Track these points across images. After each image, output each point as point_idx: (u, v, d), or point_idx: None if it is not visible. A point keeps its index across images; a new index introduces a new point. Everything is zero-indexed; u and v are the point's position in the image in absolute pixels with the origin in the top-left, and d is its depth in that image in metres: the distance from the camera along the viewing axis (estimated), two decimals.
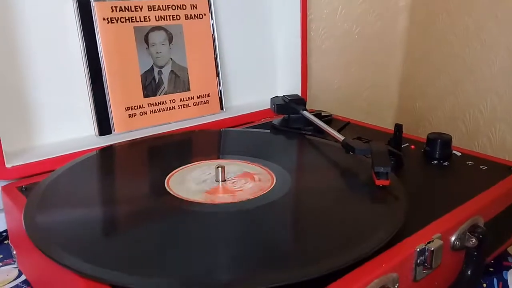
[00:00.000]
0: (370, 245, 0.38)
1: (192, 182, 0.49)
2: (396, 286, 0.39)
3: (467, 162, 0.60)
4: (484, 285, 0.51)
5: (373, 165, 0.47)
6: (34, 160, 0.55)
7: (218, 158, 0.56)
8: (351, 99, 1.03)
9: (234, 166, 0.53)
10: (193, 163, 0.54)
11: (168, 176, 0.50)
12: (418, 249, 0.41)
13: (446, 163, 0.60)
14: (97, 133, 0.64)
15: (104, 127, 0.64)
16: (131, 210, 0.44)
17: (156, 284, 0.32)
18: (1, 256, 0.56)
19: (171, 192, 0.46)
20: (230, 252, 0.37)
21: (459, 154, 0.63)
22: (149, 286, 0.32)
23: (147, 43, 0.67)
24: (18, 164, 0.54)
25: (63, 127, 0.63)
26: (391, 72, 1.06)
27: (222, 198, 0.46)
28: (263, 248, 0.38)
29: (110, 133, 0.65)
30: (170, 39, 0.69)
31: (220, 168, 0.48)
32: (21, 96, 0.59)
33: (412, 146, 0.66)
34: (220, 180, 0.49)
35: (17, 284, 0.50)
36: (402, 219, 0.41)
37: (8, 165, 0.53)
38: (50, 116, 0.61)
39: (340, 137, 0.55)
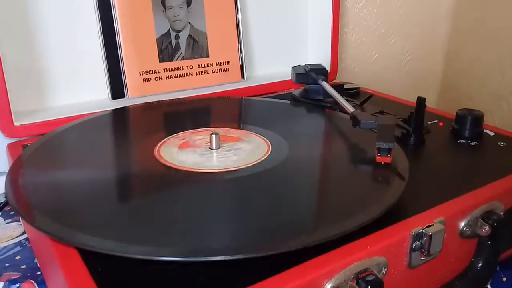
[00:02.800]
0: (352, 222, 0.34)
1: (186, 149, 0.47)
2: (384, 271, 0.35)
3: (499, 143, 0.54)
4: (504, 279, 0.46)
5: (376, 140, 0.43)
6: (42, 120, 0.56)
7: (219, 126, 0.54)
8: (389, 73, 0.97)
9: (233, 134, 0.51)
10: (189, 131, 0.52)
11: (160, 143, 0.48)
12: (413, 233, 0.37)
13: (474, 143, 0.54)
14: (110, 96, 0.63)
15: (117, 90, 0.64)
16: (116, 175, 0.43)
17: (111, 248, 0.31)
18: (12, 212, 0.57)
19: (159, 159, 0.45)
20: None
21: (492, 134, 0.56)
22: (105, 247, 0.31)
23: (164, 6, 0.65)
24: (27, 123, 0.55)
25: (77, 90, 0.63)
26: (435, 45, 0.98)
27: (214, 166, 0.44)
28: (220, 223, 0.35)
29: (123, 97, 0.64)
30: (189, 2, 0.67)
31: (214, 135, 0.46)
32: (34, 58, 0.60)
33: (441, 124, 0.60)
34: (214, 148, 0.46)
35: (20, 241, 0.52)
36: (395, 198, 0.37)
37: (16, 123, 0.54)
38: (63, 79, 0.62)
39: (350, 109, 0.51)
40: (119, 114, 0.59)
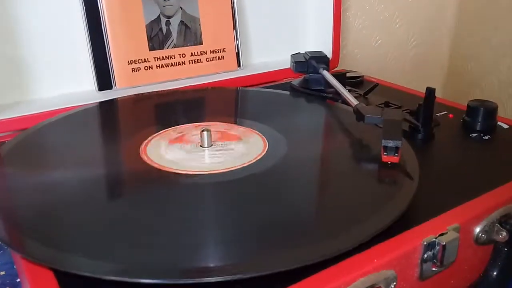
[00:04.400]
0: (357, 236, 0.30)
1: (174, 147, 0.43)
2: (392, 286, 0.32)
3: None
4: None
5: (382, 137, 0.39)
6: (22, 114, 0.52)
7: (209, 120, 0.50)
8: (394, 59, 0.92)
9: (226, 129, 0.47)
10: (178, 126, 0.48)
11: (147, 140, 0.44)
12: (425, 243, 0.33)
13: (487, 137, 0.50)
14: (96, 88, 0.59)
15: (104, 81, 0.59)
16: (94, 178, 0.39)
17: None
18: None
19: (145, 159, 0.41)
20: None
21: (506, 126, 0.53)
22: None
23: None
24: (5, 117, 0.51)
25: (61, 81, 0.59)
26: (441, 28, 0.93)
27: (207, 167, 0.40)
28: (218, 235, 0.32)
29: (111, 88, 0.60)
30: None
31: (205, 132, 0.42)
32: (15, 46, 0.55)
33: (450, 115, 0.56)
34: (206, 146, 0.43)
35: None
36: (405, 205, 0.34)
37: None
38: (46, 69, 0.58)
39: (353, 102, 0.46)
40: (105, 108, 0.55)
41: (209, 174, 0.38)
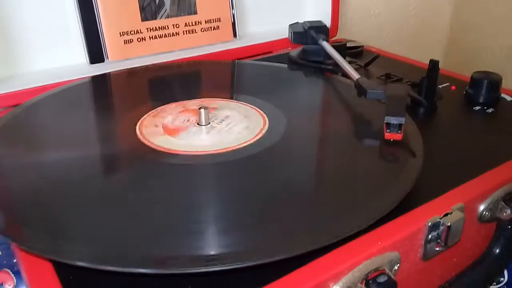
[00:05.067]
0: (357, 222, 0.29)
1: (170, 125, 0.42)
2: (396, 267, 0.31)
3: None
4: None
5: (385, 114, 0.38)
6: (9, 91, 0.50)
7: (209, 96, 0.48)
8: (392, 27, 0.90)
9: (223, 106, 0.46)
10: (176, 103, 0.47)
11: (141, 119, 0.43)
12: (430, 224, 0.32)
13: (490, 110, 0.49)
14: (88, 61, 0.57)
15: (95, 54, 0.57)
16: (88, 160, 0.38)
17: None
18: None
19: (140, 137, 0.40)
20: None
21: (509, 99, 0.51)
22: None
23: None
24: None
25: (51, 54, 0.56)
26: None
27: (204, 147, 0.38)
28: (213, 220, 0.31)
29: (103, 61, 0.58)
30: None
31: (203, 110, 0.41)
32: (2, 18, 0.53)
33: (453, 87, 0.55)
34: (203, 124, 0.41)
35: None
36: (409, 186, 0.33)
37: None
38: (35, 41, 0.55)
39: (355, 76, 0.45)
40: (98, 83, 0.53)
41: (210, 154, 0.37)
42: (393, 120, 0.37)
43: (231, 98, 0.48)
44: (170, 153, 0.37)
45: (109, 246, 0.27)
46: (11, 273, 0.42)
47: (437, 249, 0.34)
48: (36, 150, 0.39)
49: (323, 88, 0.52)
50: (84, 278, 0.28)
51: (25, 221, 0.30)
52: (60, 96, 0.48)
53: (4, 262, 0.43)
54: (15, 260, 0.42)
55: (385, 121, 0.38)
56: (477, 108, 0.49)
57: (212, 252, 0.27)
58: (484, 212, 0.36)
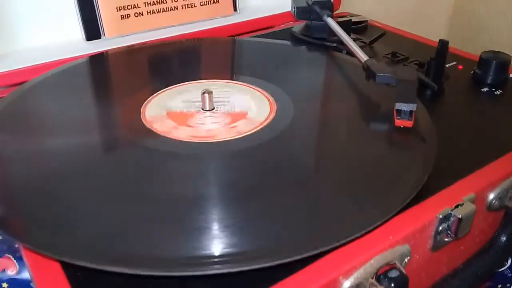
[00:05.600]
0: (364, 224, 0.29)
1: (175, 110, 0.40)
2: (406, 260, 0.31)
3: None
4: None
5: (395, 100, 0.37)
6: (5, 70, 0.48)
7: (210, 78, 0.47)
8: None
9: (226, 89, 0.44)
10: (179, 84, 0.45)
11: (145, 102, 0.41)
12: (441, 216, 0.32)
13: (498, 92, 0.48)
14: (84, 37, 0.55)
15: (92, 30, 0.55)
16: (90, 147, 0.37)
17: None
18: None
19: (146, 124, 0.38)
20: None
21: None
22: None
23: None
24: None
25: (44, 30, 0.54)
26: None
27: (206, 133, 0.37)
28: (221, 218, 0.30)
29: (100, 37, 0.56)
30: None
31: (207, 94, 0.39)
32: None
33: (460, 66, 0.54)
34: (207, 109, 0.40)
35: None
36: (423, 179, 0.32)
37: None
38: (27, 16, 0.53)
39: (363, 57, 0.43)
40: (96, 63, 0.51)
41: (216, 142, 0.36)
42: (404, 107, 0.36)
43: (234, 78, 0.46)
44: (177, 141, 0.36)
45: (114, 245, 0.26)
46: (13, 258, 0.42)
47: (446, 240, 0.33)
48: (34, 139, 0.37)
49: (330, 68, 0.50)
50: (90, 272, 0.27)
51: (26, 216, 0.29)
52: (57, 79, 0.46)
53: (5, 247, 0.42)
54: (17, 245, 0.42)
55: (396, 108, 0.37)
56: (485, 89, 0.48)
57: (233, 250, 0.26)
58: (494, 201, 0.36)
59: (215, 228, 0.28)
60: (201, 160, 0.35)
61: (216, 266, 0.25)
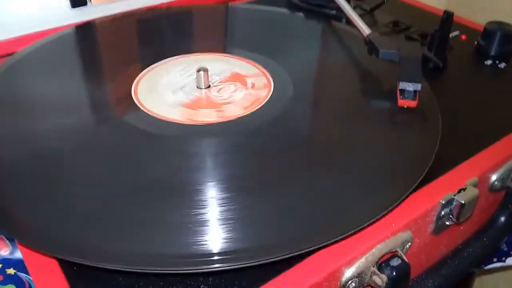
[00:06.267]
0: (369, 215, 0.27)
1: (168, 88, 0.39)
2: (407, 246, 0.31)
3: None
4: None
5: (399, 79, 0.35)
6: None
7: (203, 51, 0.44)
8: None
9: (221, 64, 0.42)
10: (170, 58, 0.43)
11: (137, 79, 0.39)
12: (443, 202, 0.31)
13: (502, 65, 0.47)
14: (69, 4, 0.52)
15: None
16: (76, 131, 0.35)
17: None
18: None
19: (138, 105, 0.36)
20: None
21: None
22: None
23: None
24: None
25: None
26: None
27: (204, 114, 0.36)
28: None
29: (86, 4, 0.53)
30: None
31: (202, 72, 0.37)
32: None
33: (463, 36, 0.52)
34: (202, 87, 0.38)
35: None
36: (426, 166, 0.31)
37: None
38: None
39: (365, 31, 0.41)
40: (83, 33, 0.48)
41: (213, 124, 0.34)
42: (409, 87, 0.35)
43: (228, 51, 0.44)
44: (172, 123, 0.34)
45: (118, 243, 0.26)
46: (5, 239, 0.41)
47: (448, 223, 0.33)
48: (17, 123, 0.35)
49: (330, 41, 0.48)
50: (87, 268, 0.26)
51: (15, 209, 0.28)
52: (43, 52, 0.44)
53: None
54: None
55: (399, 88, 0.35)
56: (489, 62, 0.47)
57: (240, 246, 0.25)
58: (496, 182, 0.35)
59: (217, 221, 0.27)
60: (192, 144, 0.33)
61: (220, 262, 0.24)
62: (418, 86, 0.35)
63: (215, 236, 0.26)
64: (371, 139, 0.34)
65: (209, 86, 0.38)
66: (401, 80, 0.35)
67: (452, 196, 0.31)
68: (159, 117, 0.35)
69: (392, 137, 0.34)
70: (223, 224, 0.26)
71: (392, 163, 0.31)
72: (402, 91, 0.35)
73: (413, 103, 0.35)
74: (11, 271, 0.41)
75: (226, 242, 0.25)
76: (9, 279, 0.41)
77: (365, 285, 0.29)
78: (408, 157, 0.32)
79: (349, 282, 0.28)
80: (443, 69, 0.46)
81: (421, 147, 0.33)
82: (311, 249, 0.26)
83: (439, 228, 0.33)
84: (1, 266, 0.42)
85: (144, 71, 0.41)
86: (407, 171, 0.31)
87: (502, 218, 0.38)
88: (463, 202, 0.31)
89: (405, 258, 0.29)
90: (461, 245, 0.37)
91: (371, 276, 0.28)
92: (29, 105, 0.37)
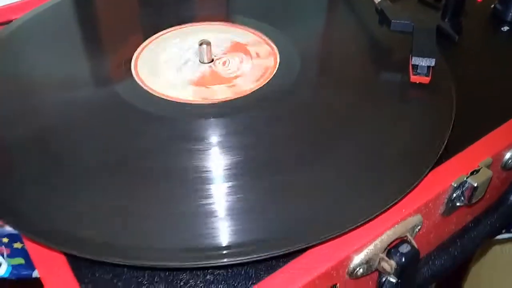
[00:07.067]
0: (381, 203, 0.27)
1: (169, 66, 0.37)
2: (417, 230, 0.30)
3: None
4: None
5: (411, 53, 0.33)
6: None
7: (192, 20, 0.42)
8: None
9: (218, 34, 0.40)
10: (166, 30, 0.41)
11: (134, 59, 0.37)
12: (455, 185, 0.30)
13: None
14: None
15: None
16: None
17: None
18: None
19: (143, 86, 0.35)
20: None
21: None
22: None
23: None
24: None
25: None
26: None
27: (218, 92, 0.34)
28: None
29: None
30: None
31: (204, 46, 0.36)
32: None
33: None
34: (206, 61, 0.36)
35: None
36: (439, 149, 0.30)
37: None
38: None
39: None
40: (77, 4, 0.46)
41: (217, 103, 0.33)
42: (422, 62, 0.33)
43: (221, 18, 0.42)
44: (176, 102, 0.33)
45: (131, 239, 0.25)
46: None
47: (458, 204, 0.32)
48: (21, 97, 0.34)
49: (337, 7, 0.46)
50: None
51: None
52: (35, 24, 0.42)
53: None
54: None
55: (412, 63, 0.34)
56: (505, 28, 0.45)
57: (255, 237, 0.25)
58: (510, 161, 0.34)
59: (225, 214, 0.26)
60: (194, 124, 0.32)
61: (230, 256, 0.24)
62: (432, 62, 0.33)
63: (225, 229, 0.25)
64: (381, 121, 0.32)
65: (212, 60, 0.37)
66: (414, 55, 0.33)
67: (465, 179, 0.31)
68: (173, 100, 0.33)
69: (403, 118, 0.33)
70: (231, 215, 0.26)
71: (404, 147, 0.30)
72: (415, 67, 0.34)
73: (426, 79, 0.34)
74: (18, 245, 0.42)
75: (234, 234, 0.25)
76: (17, 252, 0.42)
77: (373, 270, 0.29)
78: (420, 142, 0.31)
79: (358, 268, 0.28)
80: (457, 38, 0.43)
81: (433, 131, 0.31)
82: (322, 240, 0.25)
83: (450, 209, 0.32)
84: (8, 241, 0.42)
85: (139, 49, 0.38)
86: (419, 156, 0.29)
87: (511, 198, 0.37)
88: (475, 185, 0.30)
89: (414, 244, 0.29)
90: (471, 222, 0.36)
91: (379, 262, 0.28)
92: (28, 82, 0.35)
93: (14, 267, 0.41)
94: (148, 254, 0.24)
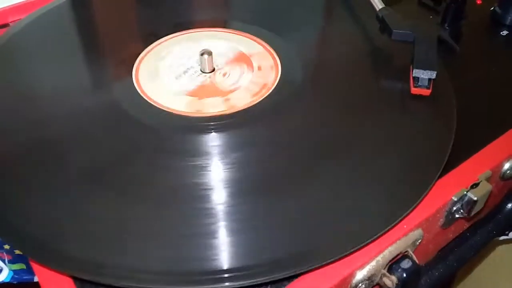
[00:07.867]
0: (382, 224, 0.27)
1: (169, 73, 0.36)
2: (418, 243, 0.31)
3: None
4: None
5: (412, 65, 0.33)
6: None
7: (202, 26, 0.42)
8: None
9: (223, 42, 0.39)
10: (168, 36, 0.40)
11: (135, 66, 0.37)
12: (455, 199, 0.31)
13: None
14: None
15: None
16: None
17: None
18: None
19: (140, 93, 0.35)
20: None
21: None
22: None
23: None
24: None
25: None
26: None
27: (212, 105, 0.34)
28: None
29: None
30: None
31: (206, 56, 0.35)
32: None
33: (478, 1, 0.49)
34: (207, 71, 0.36)
35: None
36: (440, 166, 0.30)
37: None
38: None
39: (378, 4, 0.39)
40: (76, 7, 0.45)
41: (219, 116, 0.33)
42: (423, 74, 0.33)
43: (228, 26, 0.41)
44: (166, 112, 0.33)
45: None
46: None
47: (458, 216, 0.33)
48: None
49: (339, 14, 0.45)
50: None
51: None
52: (32, 29, 0.41)
53: None
54: None
55: (413, 75, 0.34)
56: (504, 32, 0.45)
57: (253, 262, 0.25)
58: (508, 171, 0.35)
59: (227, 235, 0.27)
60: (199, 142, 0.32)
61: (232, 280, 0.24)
62: (433, 74, 0.33)
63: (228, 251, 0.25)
64: (382, 139, 0.32)
65: (213, 70, 0.36)
66: (415, 67, 0.33)
67: (465, 192, 0.31)
68: (164, 109, 0.33)
69: (403, 132, 0.33)
70: (233, 236, 0.26)
71: (405, 165, 0.30)
72: (416, 79, 0.34)
73: (427, 92, 0.34)
74: (19, 251, 0.42)
75: (237, 258, 0.25)
76: (18, 258, 0.42)
77: (375, 285, 0.29)
78: (421, 158, 0.31)
79: (360, 284, 0.28)
80: (456, 43, 0.43)
81: (433, 147, 0.31)
82: (327, 262, 0.25)
83: (449, 222, 0.33)
84: (10, 247, 0.42)
85: (143, 53, 0.38)
86: (420, 173, 0.30)
87: (509, 205, 0.38)
88: (475, 199, 0.31)
89: (415, 259, 0.29)
90: (468, 231, 0.37)
91: (381, 277, 0.29)
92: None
93: (15, 272, 0.41)
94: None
